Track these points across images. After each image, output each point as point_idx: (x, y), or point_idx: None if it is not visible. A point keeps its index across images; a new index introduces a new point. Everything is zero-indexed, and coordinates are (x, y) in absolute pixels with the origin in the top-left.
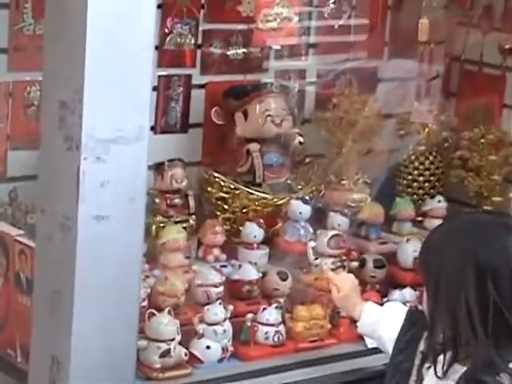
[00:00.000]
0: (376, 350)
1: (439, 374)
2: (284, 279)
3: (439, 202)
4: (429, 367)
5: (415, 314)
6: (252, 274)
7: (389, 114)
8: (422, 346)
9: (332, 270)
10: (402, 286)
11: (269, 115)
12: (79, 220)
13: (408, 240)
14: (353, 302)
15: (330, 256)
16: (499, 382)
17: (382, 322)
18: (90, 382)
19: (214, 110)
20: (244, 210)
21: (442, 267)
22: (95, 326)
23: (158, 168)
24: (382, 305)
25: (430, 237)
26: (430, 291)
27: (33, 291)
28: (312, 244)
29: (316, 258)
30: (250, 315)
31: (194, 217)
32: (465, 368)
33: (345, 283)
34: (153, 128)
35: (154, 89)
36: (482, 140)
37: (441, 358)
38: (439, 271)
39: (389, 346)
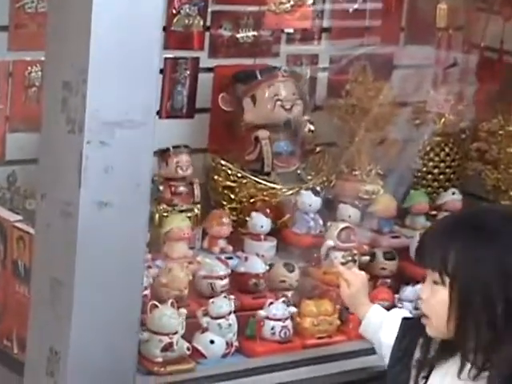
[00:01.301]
0: None
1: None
2: (291, 271)
3: (453, 194)
4: (424, 377)
5: (409, 322)
6: (259, 266)
7: (404, 103)
8: (417, 355)
9: (342, 263)
10: (415, 282)
11: (278, 99)
12: (81, 206)
13: None
14: (360, 301)
15: (340, 249)
16: None
17: (385, 326)
18: (90, 374)
19: (220, 96)
20: (251, 200)
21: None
22: (96, 317)
23: (162, 154)
24: (393, 305)
25: (434, 230)
26: (451, 290)
27: (31, 279)
28: (330, 243)
29: (327, 255)
30: (260, 312)
31: (199, 206)
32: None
33: (355, 279)
34: (158, 112)
35: (160, 72)
36: (501, 132)
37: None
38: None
39: (386, 353)
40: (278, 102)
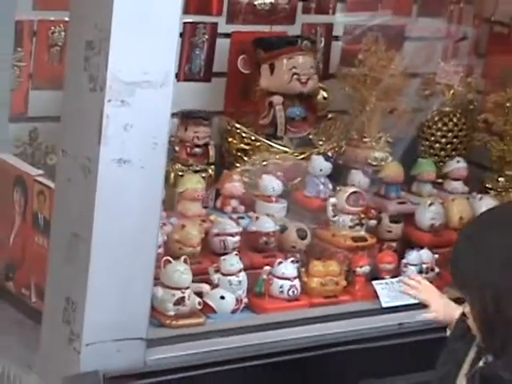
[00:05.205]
0: (390, 309)
1: None
2: (303, 238)
3: (458, 162)
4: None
5: None
6: (269, 225)
7: (414, 74)
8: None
9: (350, 227)
10: (419, 247)
11: (295, 73)
12: (100, 162)
13: (431, 204)
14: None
15: (349, 213)
16: None
17: None
18: (104, 324)
19: (241, 57)
20: (264, 163)
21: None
22: (112, 270)
23: (183, 119)
24: (398, 268)
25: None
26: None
27: (50, 232)
28: (333, 200)
29: (335, 215)
30: (267, 268)
31: (213, 167)
32: None
33: (433, 300)
34: (176, 75)
35: (180, 36)
36: (508, 104)
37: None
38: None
39: None
40: (295, 76)
